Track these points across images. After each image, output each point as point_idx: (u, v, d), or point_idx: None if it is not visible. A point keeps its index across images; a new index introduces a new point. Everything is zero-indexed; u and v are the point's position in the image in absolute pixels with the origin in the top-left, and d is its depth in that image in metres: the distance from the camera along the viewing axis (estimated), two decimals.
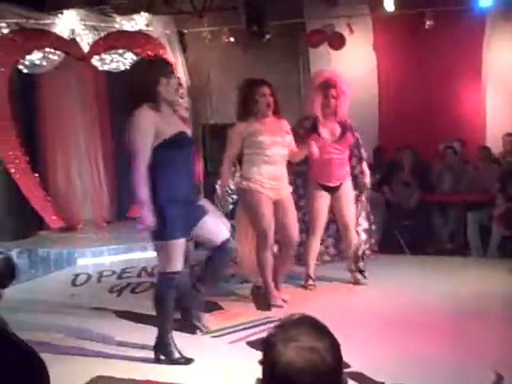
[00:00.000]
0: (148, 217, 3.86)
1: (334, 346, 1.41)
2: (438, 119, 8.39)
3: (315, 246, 5.66)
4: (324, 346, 1.38)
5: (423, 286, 5.58)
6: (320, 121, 5.47)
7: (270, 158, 5.01)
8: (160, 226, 3.89)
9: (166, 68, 4.15)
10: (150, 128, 3.87)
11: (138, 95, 4.03)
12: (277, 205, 5.08)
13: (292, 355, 1.36)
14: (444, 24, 8.08)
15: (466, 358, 3.90)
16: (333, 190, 5.52)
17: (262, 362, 1.44)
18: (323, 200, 5.52)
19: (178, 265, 4.00)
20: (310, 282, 5.64)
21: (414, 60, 8.52)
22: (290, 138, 5.14)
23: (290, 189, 5.23)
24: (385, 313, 4.90)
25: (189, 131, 4.21)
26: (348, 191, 5.60)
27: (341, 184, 5.54)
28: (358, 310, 5.11)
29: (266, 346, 1.43)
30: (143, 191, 3.85)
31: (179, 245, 3.99)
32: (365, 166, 5.79)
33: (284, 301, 5.16)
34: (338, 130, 5.48)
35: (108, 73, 8.80)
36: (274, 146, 5.02)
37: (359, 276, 5.77)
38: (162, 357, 4.02)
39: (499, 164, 7.66)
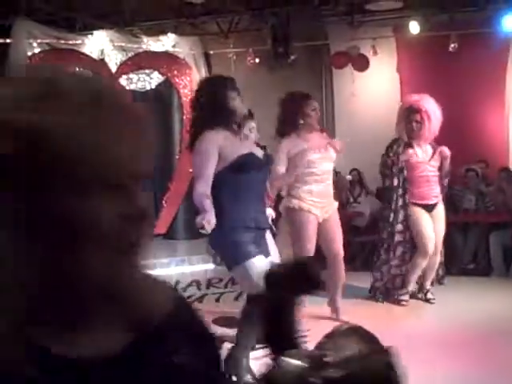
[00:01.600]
0: (212, 220, 3.49)
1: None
2: (462, 141, 8.39)
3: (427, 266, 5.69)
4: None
5: (448, 306, 5.60)
6: (411, 143, 5.59)
7: (320, 176, 4.91)
8: (233, 250, 3.58)
9: (232, 82, 3.78)
10: (215, 150, 3.54)
11: (208, 111, 3.63)
12: (324, 222, 4.98)
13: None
14: (468, 47, 8.13)
15: (494, 378, 3.90)
16: (430, 208, 5.62)
17: None
18: (427, 218, 5.58)
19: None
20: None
21: (437, 82, 8.55)
22: (333, 151, 5.00)
23: (336, 204, 5.14)
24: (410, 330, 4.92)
25: (259, 151, 3.84)
26: (442, 210, 5.72)
27: (437, 203, 5.65)
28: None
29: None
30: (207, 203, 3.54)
31: (258, 262, 3.55)
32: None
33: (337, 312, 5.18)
34: (429, 150, 5.63)
35: (133, 91, 8.97)
36: (324, 163, 4.92)
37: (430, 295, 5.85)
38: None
39: None
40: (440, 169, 5.73)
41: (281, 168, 4.72)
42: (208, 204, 3.52)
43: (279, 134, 4.95)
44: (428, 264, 5.65)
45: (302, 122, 4.82)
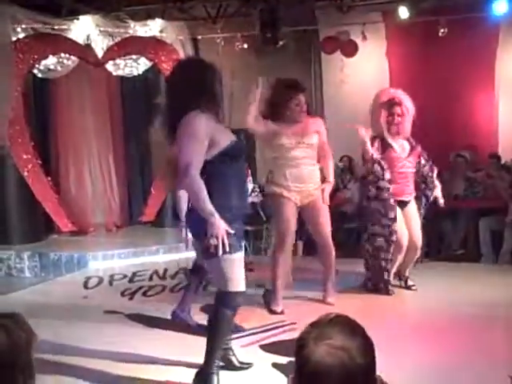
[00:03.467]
0: (222, 226, 3.26)
1: (367, 346, 1.42)
2: (451, 126, 8.39)
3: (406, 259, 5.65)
4: (356, 346, 1.39)
5: (435, 292, 5.60)
6: (389, 138, 5.50)
7: (295, 161, 4.99)
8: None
9: (216, 70, 3.62)
10: (205, 136, 3.34)
11: (197, 94, 3.41)
12: (307, 207, 5.08)
13: (322, 354, 1.37)
14: (457, 31, 8.10)
15: (481, 363, 3.89)
16: (403, 205, 5.53)
17: (295, 360, 1.45)
18: (400, 216, 5.47)
19: (242, 283, 3.50)
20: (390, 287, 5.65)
21: (426, 67, 8.53)
22: (317, 137, 5.07)
23: (318, 190, 5.14)
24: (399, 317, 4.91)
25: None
26: (414, 206, 5.64)
27: (410, 200, 5.59)
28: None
29: (298, 344, 1.43)
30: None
31: (241, 259, 3.49)
32: (436, 179, 5.81)
33: (330, 304, 5.16)
34: (406, 145, 5.55)
35: (121, 77, 8.89)
36: (298, 149, 4.98)
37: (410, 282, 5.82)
38: None
39: (510, 171, 7.66)
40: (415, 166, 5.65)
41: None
42: (210, 205, 3.27)
43: (262, 116, 5.01)
44: (407, 258, 5.62)
45: (285, 113, 4.94)
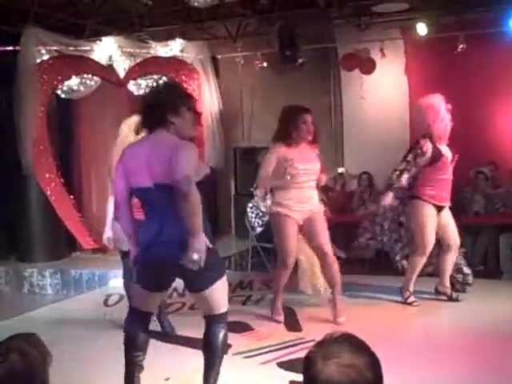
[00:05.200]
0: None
1: (375, 363, 1.44)
2: (471, 142, 8.33)
3: (421, 264, 5.72)
4: (364, 363, 1.41)
5: (457, 308, 5.57)
6: (439, 144, 5.53)
7: (300, 185, 5.19)
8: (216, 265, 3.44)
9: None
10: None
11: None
12: (305, 222, 5.25)
13: (331, 372, 1.39)
14: (476, 47, 8.08)
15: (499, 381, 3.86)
16: (441, 209, 5.61)
17: (303, 380, 1.47)
18: (435, 220, 5.58)
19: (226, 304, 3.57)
20: (413, 298, 5.74)
21: (445, 84, 8.50)
22: (319, 165, 5.30)
23: (321, 209, 5.41)
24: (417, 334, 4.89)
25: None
26: (448, 210, 5.71)
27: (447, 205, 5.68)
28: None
29: (306, 362, 1.46)
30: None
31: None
32: None
33: (340, 323, 5.09)
34: (449, 152, 5.60)
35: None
36: (305, 175, 5.19)
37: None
38: None
39: None
40: None
41: (263, 174, 5.20)
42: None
43: (275, 140, 5.28)
44: (450, 261, 5.73)
45: (292, 133, 5.15)
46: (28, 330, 1.97)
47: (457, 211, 7.66)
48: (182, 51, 8.97)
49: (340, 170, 9.31)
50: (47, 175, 7.98)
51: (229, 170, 9.90)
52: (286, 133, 5.17)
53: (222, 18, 8.87)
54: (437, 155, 5.47)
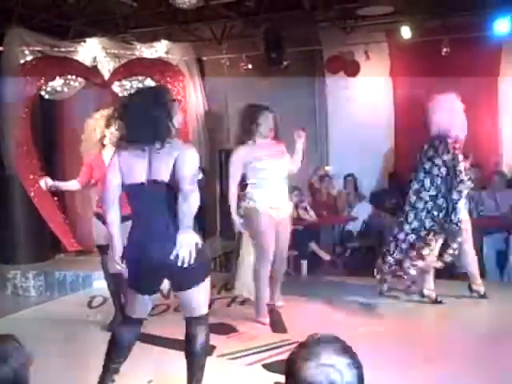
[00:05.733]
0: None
1: (355, 363, 1.45)
2: None
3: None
4: (345, 364, 1.42)
5: (439, 310, 5.58)
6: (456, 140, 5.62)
7: (272, 181, 5.24)
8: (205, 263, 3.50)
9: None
10: None
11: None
12: (277, 224, 5.29)
13: (312, 372, 1.40)
14: (460, 51, 8.15)
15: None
16: None
17: (285, 380, 1.48)
18: None
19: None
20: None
21: (429, 86, 8.57)
22: (288, 158, 5.34)
23: (290, 207, 5.48)
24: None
25: None
26: None
27: None
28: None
29: (288, 363, 1.47)
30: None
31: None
32: None
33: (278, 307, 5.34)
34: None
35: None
36: (276, 170, 5.24)
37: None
38: None
39: None
40: None
41: (232, 186, 5.27)
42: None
43: (237, 142, 5.35)
44: None
45: (254, 130, 5.20)
46: (11, 331, 1.95)
47: None
48: (167, 53, 8.95)
49: (327, 168, 9.35)
50: (31, 176, 7.91)
51: (214, 172, 9.89)
52: (247, 131, 5.22)
53: (208, 20, 8.86)
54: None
